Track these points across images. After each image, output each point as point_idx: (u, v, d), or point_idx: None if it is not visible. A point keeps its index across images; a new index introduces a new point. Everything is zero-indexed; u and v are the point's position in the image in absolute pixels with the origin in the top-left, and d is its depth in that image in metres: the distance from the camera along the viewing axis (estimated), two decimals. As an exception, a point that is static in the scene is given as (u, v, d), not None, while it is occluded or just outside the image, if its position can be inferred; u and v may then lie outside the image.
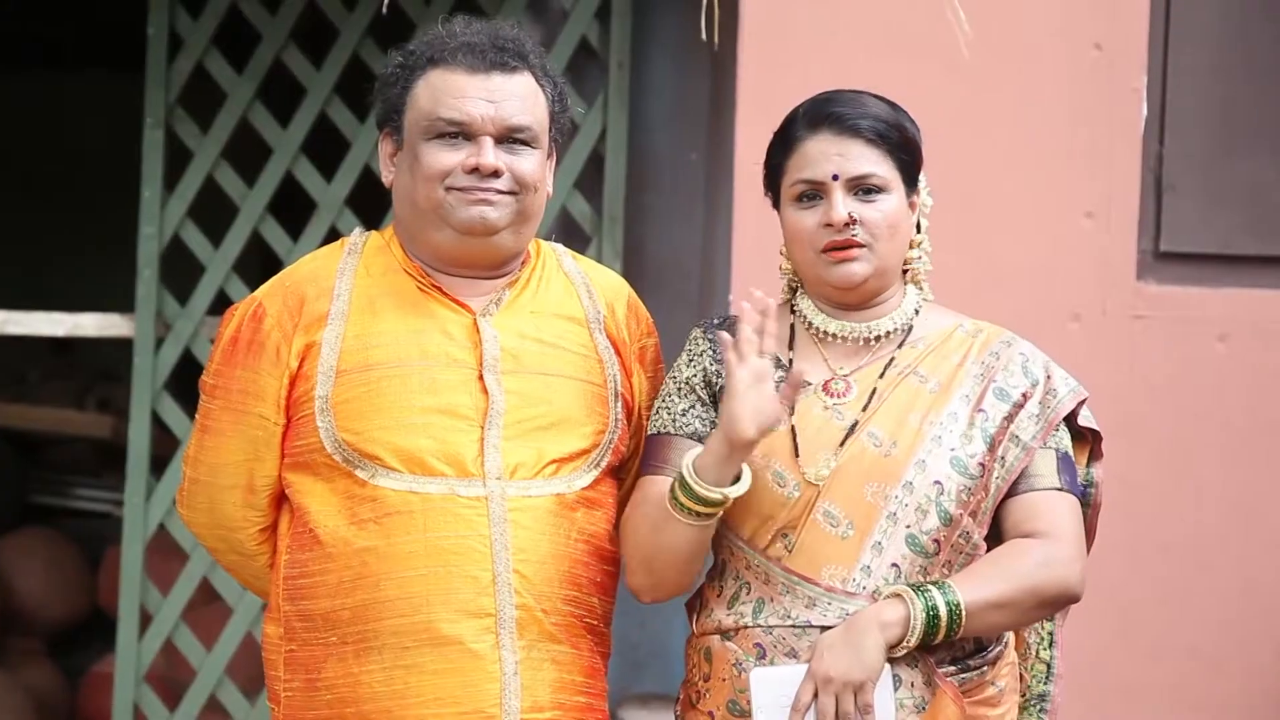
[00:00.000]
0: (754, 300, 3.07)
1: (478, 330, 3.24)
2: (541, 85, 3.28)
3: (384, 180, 3.31)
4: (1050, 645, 3.32)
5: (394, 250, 3.30)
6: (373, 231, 3.37)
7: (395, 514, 3.16)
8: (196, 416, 3.33)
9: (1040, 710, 3.30)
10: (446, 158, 3.20)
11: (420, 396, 3.19)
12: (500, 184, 3.21)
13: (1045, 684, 3.31)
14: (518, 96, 3.23)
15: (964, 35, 4.57)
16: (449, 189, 3.21)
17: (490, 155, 3.20)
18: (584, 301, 3.34)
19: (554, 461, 3.22)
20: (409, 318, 3.24)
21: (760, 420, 3.03)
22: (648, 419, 3.34)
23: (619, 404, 3.30)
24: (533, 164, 3.24)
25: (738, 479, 3.08)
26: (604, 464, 3.27)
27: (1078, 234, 4.90)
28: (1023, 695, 3.29)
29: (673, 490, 3.09)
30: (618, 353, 3.33)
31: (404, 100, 3.24)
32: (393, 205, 3.33)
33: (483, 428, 3.19)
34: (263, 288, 3.31)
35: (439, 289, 3.26)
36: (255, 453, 3.25)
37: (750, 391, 3.03)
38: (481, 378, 3.21)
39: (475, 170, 3.19)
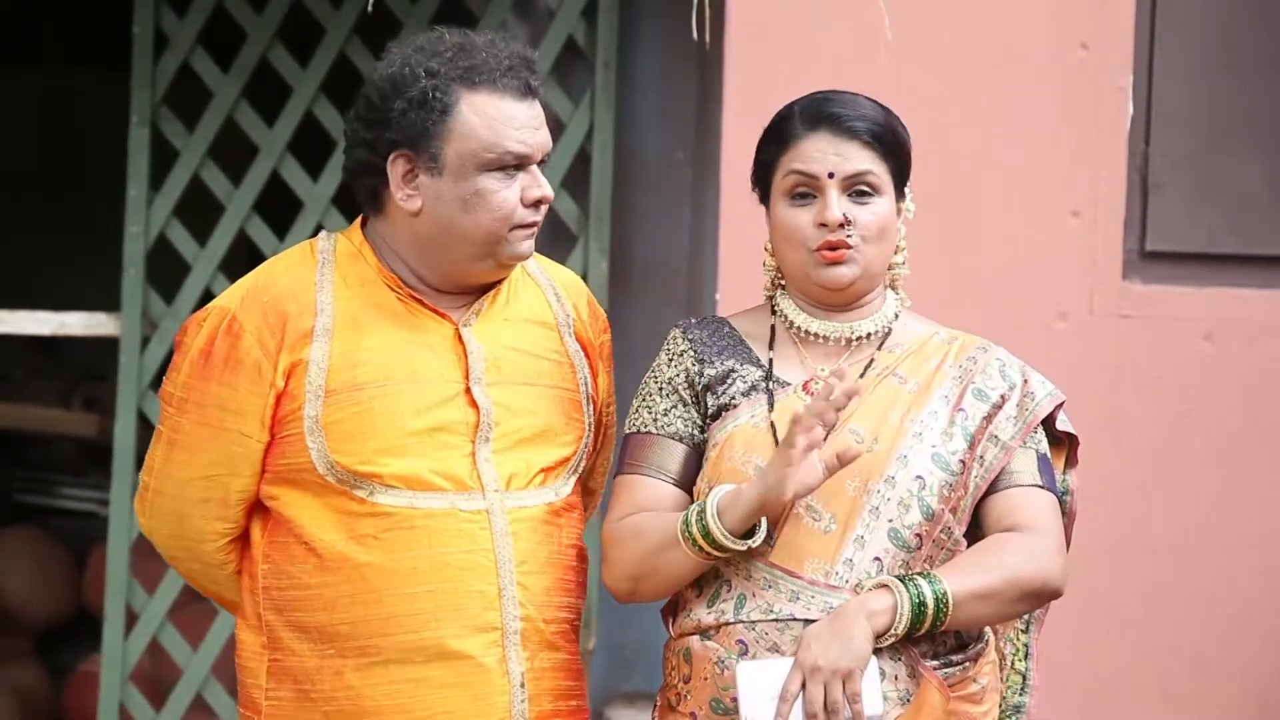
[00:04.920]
0: (842, 377, 3.04)
1: (461, 341, 3.21)
2: None
3: (404, 206, 3.16)
4: (1026, 657, 3.33)
5: (367, 258, 3.23)
6: (338, 235, 3.30)
7: (397, 530, 3.14)
8: (160, 428, 3.24)
9: (1016, 721, 3.31)
10: (510, 193, 3.14)
11: (411, 418, 3.16)
12: (541, 215, 3.20)
13: (1021, 695, 3.32)
14: (543, 120, 3.21)
15: (887, 42, 4.58)
16: (512, 227, 3.16)
17: (547, 185, 3.18)
18: (553, 305, 3.32)
19: (542, 471, 3.22)
20: (393, 331, 3.20)
21: (802, 488, 3.04)
22: (609, 416, 3.37)
23: (590, 407, 3.31)
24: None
25: (754, 529, 3.09)
26: (580, 469, 3.29)
27: (1064, 233, 4.91)
28: (999, 706, 3.30)
29: (688, 527, 3.09)
30: (586, 354, 3.33)
31: (443, 125, 3.13)
32: (396, 224, 3.20)
33: (473, 442, 3.18)
34: (231, 299, 3.22)
35: (418, 300, 3.22)
36: (231, 467, 3.19)
37: (803, 460, 3.03)
38: (469, 391, 3.19)
39: (537, 203, 3.16)
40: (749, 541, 3.08)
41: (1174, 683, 4.90)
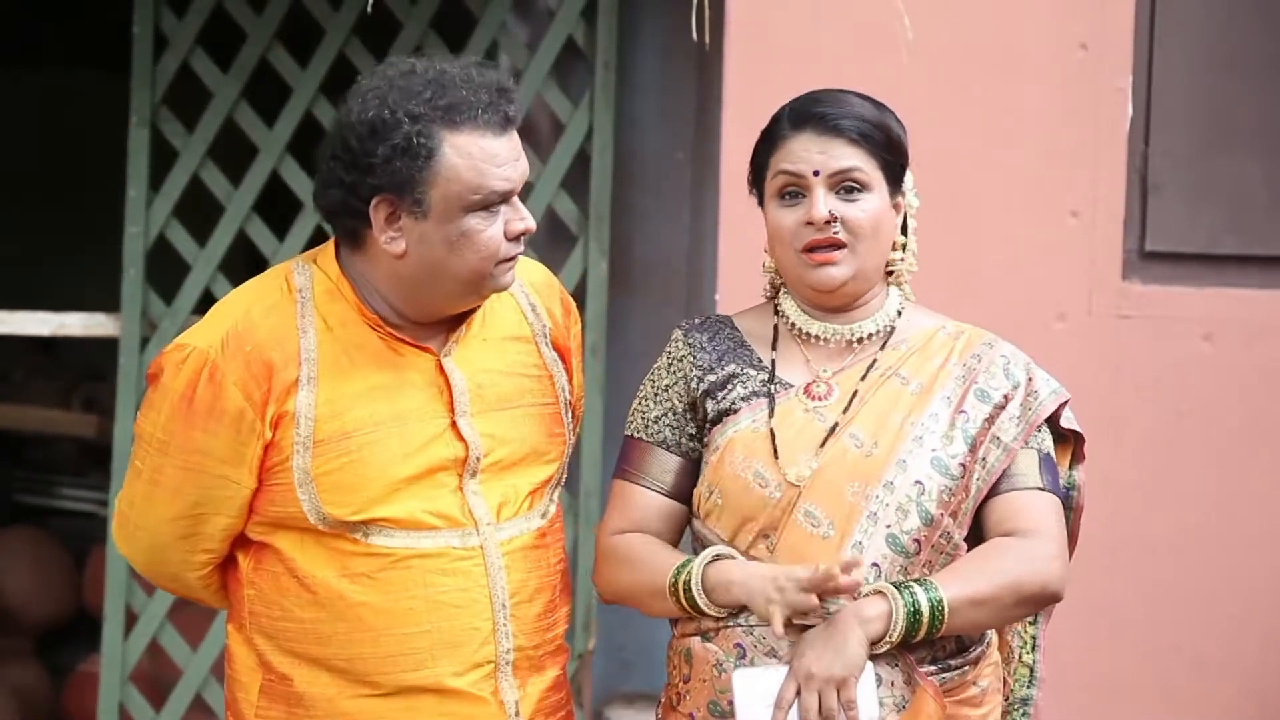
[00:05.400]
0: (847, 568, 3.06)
1: (442, 372, 3.19)
2: None
3: (389, 249, 3.12)
4: (1033, 649, 3.33)
5: (346, 296, 3.18)
6: (314, 267, 3.22)
7: (392, 569, 3.14)
8: (137, 465, 3.20)
9: (1023, 714, 3.31)
10: (495, 230, 3.11)
11: (401, 464, 3.14)
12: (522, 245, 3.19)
13: (1028, 688, 3.32)
14: (521, 150, 3.17)
15: (907, 41, 4.58)
16: (498, 262, 3.13)
17: (529, 217, 3.15)
18: (529, 317, 3.30)
19: (529, 495, 3.23)
20: (376, 373, 3.16)
21: (787, 613, 3.07)
22: (580, 407, 3.37)
23: (569, 414, 3.31)
24: None
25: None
26: (563, 481, 3.31)
27: (1063, 234, 4.91)
28: (1005, 699, 3.30)
29: (676, 591, 3.14)
30: (563, 359, 3.32)
31: (427, 171, 3.07)
32: (377, 262, 3.16)
33: (460, 476, 3.18)
34: (209, 341, 3.15)
35: (399, 337, 3.18)
36: (216, 508, 3.17)
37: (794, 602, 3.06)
38: (454, 425, 3.18)
39: (520, 235, 3.14)
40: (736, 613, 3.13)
41: (1174, 683, 4.90)
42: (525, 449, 3.23)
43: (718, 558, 3.13)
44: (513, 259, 3.16)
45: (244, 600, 3.21)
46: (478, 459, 3.18)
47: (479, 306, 3.25)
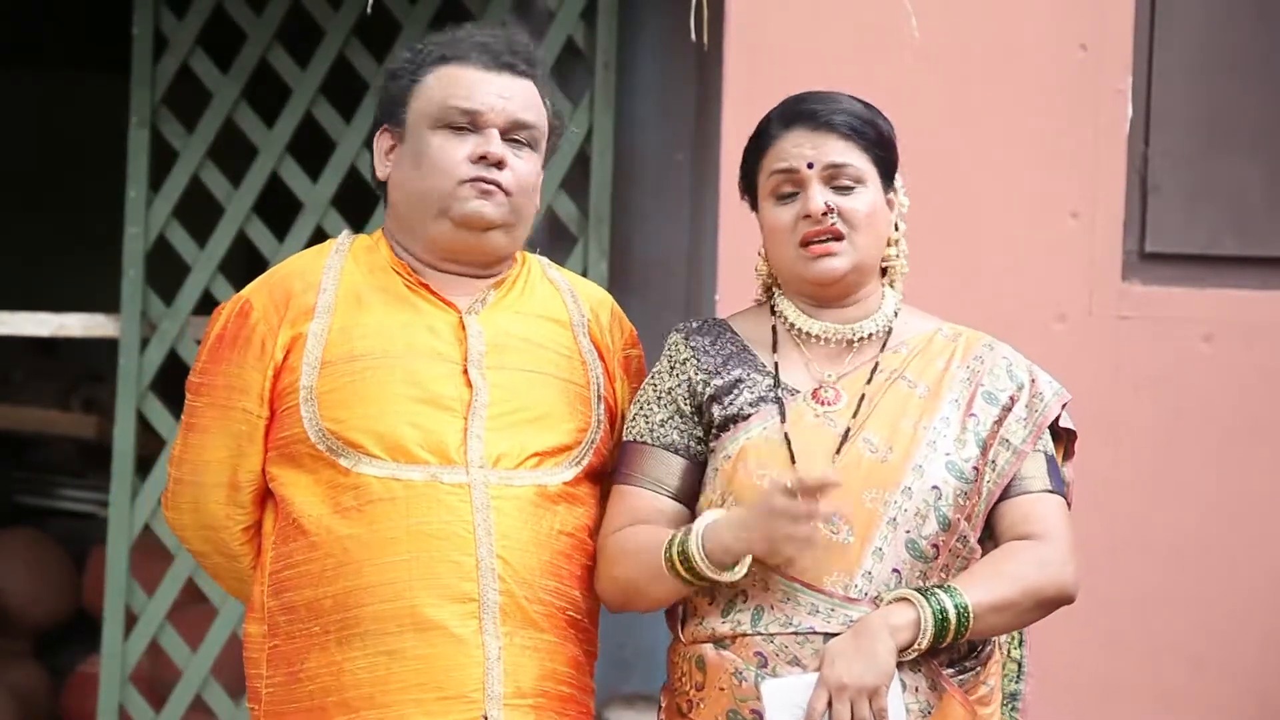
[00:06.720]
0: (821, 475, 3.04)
1: (463, 327, 3.25)
2: (543, 97, 3.32)
3: (379, 174, 3.31)
4: (1020, 644, 3.33)
5: (382, 250, 3.32)
6: (360, 234, 3.39)
7: (377, 501, 3.16)
8: (182, 417, 3.33)
9: (1012, 709, 3.30)
10: (455, 149, 3.22)
11: (404, 386, 3.19)
12: (503, 178, 3.22)
13: (1017, 682, 3.32)
14: (524, 96, 3.28)
15: (913, 40, 4.58)
16: (459, 182, 3.22)
17: (498, 145, 3.23)
18: (568, 305, 3.35)
19: (536, 454, 3.22)
20: (395, 312, 3.25)
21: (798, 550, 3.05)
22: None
23: (601, 406, 3.30)
24: (530, 166, 3.27)
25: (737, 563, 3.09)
26: (585, 462, 3.27)
27: (1063, 234, 4.91)
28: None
29: (671, 559, 3.09)
30: (601, 357, 3.33)
31: (410, 93, 3.27)
32: (387, 201, 3.34)
33: (466, 418, 3.19)
34: (249, 285, 3.32)
35: (425, 287, 3.27)
36: (239, 448, 3.25)
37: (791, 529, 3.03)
38: (466, 371, 3.21)
39: (482, 159, 3.22)
40: (733, 574, 3.08)
41: (1173, 683, 4.90)
42: (540, 410, 3.24)
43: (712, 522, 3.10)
44: (480, 183, 3.21)
45: (266, 566, 3.23)
46: (483, 404, 3.19)
47: (506, 273, 3.31)
